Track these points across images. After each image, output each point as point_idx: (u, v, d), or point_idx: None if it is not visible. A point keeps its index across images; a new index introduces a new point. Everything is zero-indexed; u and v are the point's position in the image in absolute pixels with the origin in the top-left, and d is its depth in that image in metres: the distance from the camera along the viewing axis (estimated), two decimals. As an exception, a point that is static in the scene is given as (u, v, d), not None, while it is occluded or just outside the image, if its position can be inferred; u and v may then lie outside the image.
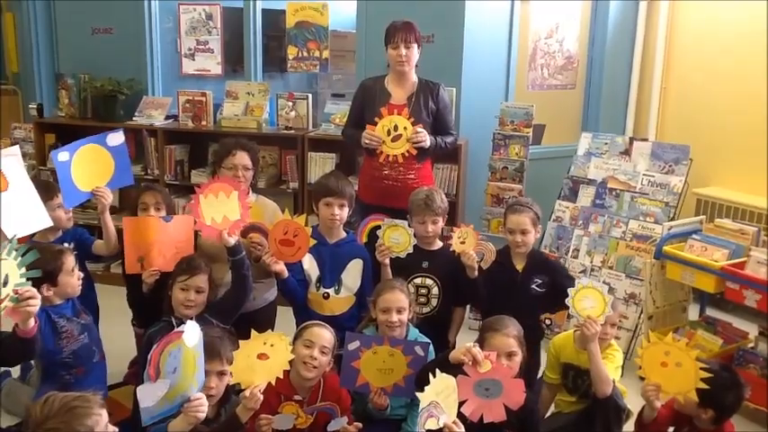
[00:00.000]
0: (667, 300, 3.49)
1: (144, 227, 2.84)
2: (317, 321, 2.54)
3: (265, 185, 4.10)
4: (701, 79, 4.41)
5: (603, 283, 2.70)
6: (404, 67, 3.27)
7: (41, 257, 2.16)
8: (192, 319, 2.59)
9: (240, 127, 4.22)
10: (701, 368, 2.23)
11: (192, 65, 4.61)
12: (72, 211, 3.00)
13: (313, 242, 2.82)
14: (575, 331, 2.68)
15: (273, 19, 4.78)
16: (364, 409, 2.58)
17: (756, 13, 4.04)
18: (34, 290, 2.07)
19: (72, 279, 2.55)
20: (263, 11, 4.55)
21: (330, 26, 4.33)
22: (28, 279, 2.05)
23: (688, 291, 3.59)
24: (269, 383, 2.19)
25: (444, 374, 2.05)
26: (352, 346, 2.46)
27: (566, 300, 2.47)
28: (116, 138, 2.97)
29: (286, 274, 2.83)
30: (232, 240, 2.64)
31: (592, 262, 3.76)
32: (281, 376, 2.23)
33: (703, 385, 2.23)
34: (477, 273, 2.84)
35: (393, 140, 3.21)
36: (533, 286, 2.88)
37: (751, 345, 3.28)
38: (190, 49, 4.59)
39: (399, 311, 2.57)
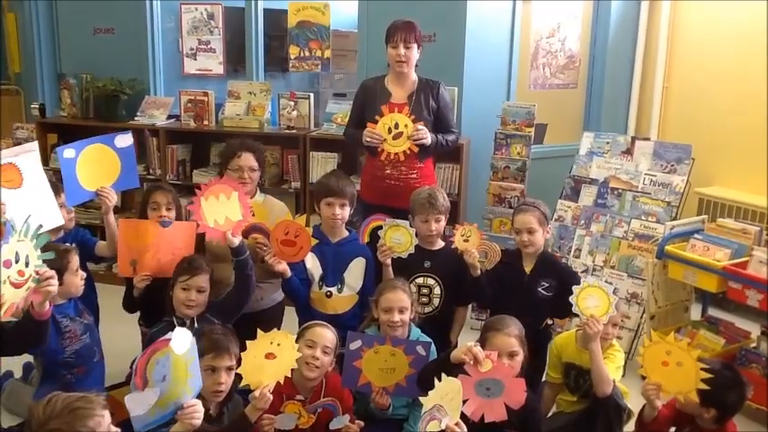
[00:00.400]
0: (669, 299, 3.49)
1: (141, 230, 2.84)
2: (320, 321, 2.54)
3: (267, 185, 4.10)
4: (703, 78, 4.40)
5: (606, 282, 2.69)
6: (403, 68, 3.27)
7: None
8: (193, 318, 2.61)
9: (242, 127, 4.22)
10: (702, 368, 2.23)
11: (194, 64, 4.60)
12: (74, 212, 3.01)
13: (314, 242, 2.82)
14: (577, 330, 2.68)
15: (275, 19, 4.79)
16: (366, 409, 2.58)
17: (759, 13, 4.02)
18: (52, 271, 2.10)
19: (76, 279, 2.56)
20: (265, 10, 4.55)
21: (332, 26, 4.33)
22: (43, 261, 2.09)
23: (690, 290, 3.58)
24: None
25: (450, 378, 2.06)
26: (354, 345, 2.46)
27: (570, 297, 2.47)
28: (124, 139, 2.97)
29: (289, 273, 2.84)
30: (236, 241, 2.64)
31: (594, 262, 3.75)
32: (290, 375, 2.24)
33: (704, 386, 2.23)
34: (479, 271, 2.85)
35: (394, 138, 3.20)
36: (540, 289, 2.87)
37: (753, 344, 3.28)
38: (191, 49, 4.59)
39: (401, 311, 2.58)
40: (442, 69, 3.78)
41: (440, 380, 2.06)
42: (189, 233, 2.85)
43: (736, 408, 2.37)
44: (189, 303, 2.59)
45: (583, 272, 3.70)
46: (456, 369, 2.18)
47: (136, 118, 4.43)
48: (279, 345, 2.22)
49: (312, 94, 4.32)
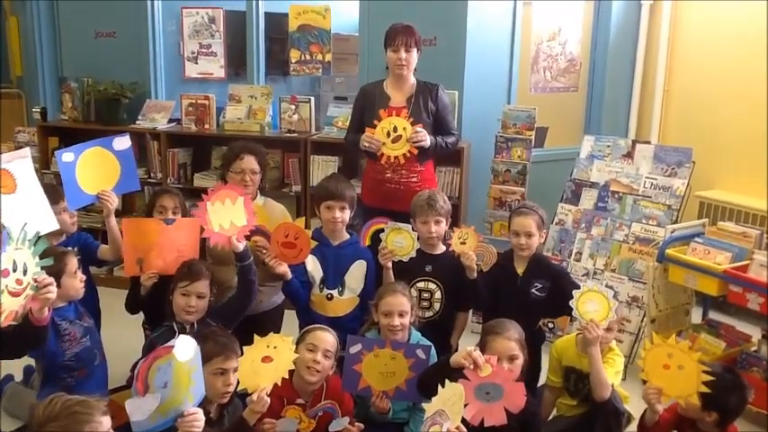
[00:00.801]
0: (670, 303, 3.48)
1: (145, 229, 2.84)
2: (320, 325, 2.54)
3: (268, 189, 4.10)
4: (703, 82, 4.40)
5: (606, 286, 2.69)
6: (402, 71, 3.27)
7: None
8: (193, 324, 2.60)
9: (243, 130, 4.23)
10: (703, 371, 2.23)
11: (195, 68, 4.62)
12: (77, 216, 3.01)
13: (314, 244, 2.83)
14: (577, 335, 2.68)
15: (276, 22, 4.79)
16: (366, 413, 2.58)
17: (759, 17, 4.02)
18: (51, 278, 2.10)
19: (75, 281, 2.56)
20: (266, 14, 4.56)
21: (332, 29, 4.34)
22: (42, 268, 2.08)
23: (691, 294, 3.58)
24: (273, 387, 2.20)
25: (453, 383, 2.05)
26: (354, 349, 2.46)
27: (569, 302, 2.47)
28: (122, 142, 2.98)
29: (290, 275, 2.84)
30: (241, 246, 2.64)
31: (594, 265, 3.75)
32: (287, 376, 2.24)
33: (705, 389, 2.22)
34: (476, 274, 2.84)
35: (393, 142, 3.21)
36: (533, 290, 2.87)
37: (754, 348, 3.27)
38: (193, 53, 4.60)
39: (401, 315, 2.58)
40: (443, 73, 3.78)
41: (442, 385, 2.06)
42: (193, 230, 2.84)
43: (738, 411, 2.37)
44: (189, 309, 2.58)
45: (583, 275, 3.70)
46: (455, 373, 2.17)
47: (137, 122, 4.44)
48: (275, 348, 2.22)
49: (313, 98, 4.32)
